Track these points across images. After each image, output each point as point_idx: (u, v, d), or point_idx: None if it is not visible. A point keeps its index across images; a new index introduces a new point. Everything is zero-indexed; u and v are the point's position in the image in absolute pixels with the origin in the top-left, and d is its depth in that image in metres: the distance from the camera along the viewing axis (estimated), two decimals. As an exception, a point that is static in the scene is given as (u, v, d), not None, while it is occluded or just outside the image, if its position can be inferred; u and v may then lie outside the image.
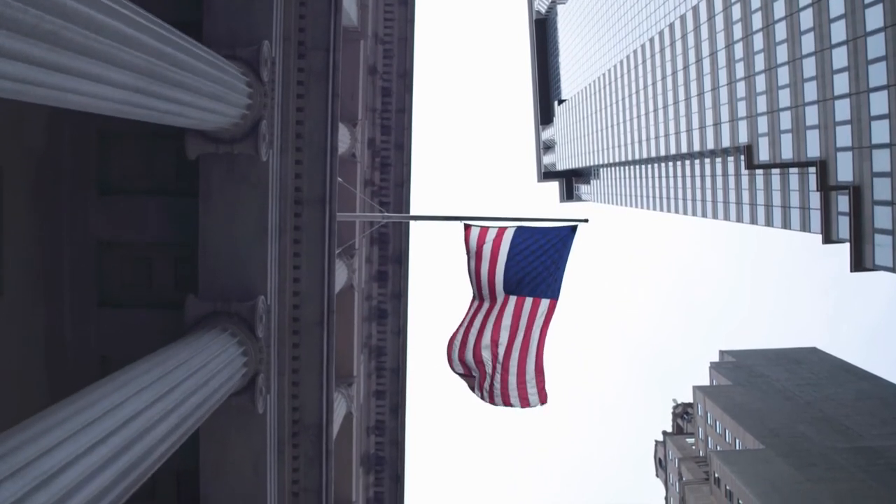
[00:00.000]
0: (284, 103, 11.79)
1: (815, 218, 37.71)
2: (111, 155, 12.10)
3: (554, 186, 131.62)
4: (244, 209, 11.13)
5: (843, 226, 33.18)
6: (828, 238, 36.07)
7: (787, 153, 35.71)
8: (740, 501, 46.12)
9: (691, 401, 72.31)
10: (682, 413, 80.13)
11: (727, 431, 57.34)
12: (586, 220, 14.64)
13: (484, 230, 14.31)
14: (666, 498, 71.93)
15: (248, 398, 10.81)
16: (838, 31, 29.66)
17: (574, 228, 14.51)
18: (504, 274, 14.27)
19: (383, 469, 23.82)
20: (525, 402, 13.42)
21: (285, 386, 12.13)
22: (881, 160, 26.56)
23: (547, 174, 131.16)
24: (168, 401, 7.66)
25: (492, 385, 13.83)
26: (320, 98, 12.44)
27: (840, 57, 29.39)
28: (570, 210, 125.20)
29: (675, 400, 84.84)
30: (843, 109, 29.47)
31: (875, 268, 27.94)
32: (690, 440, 69.74)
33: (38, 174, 11.30)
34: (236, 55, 10.15)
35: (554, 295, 14.38)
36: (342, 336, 18.56)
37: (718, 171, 51.59)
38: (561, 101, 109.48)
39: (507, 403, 13.69)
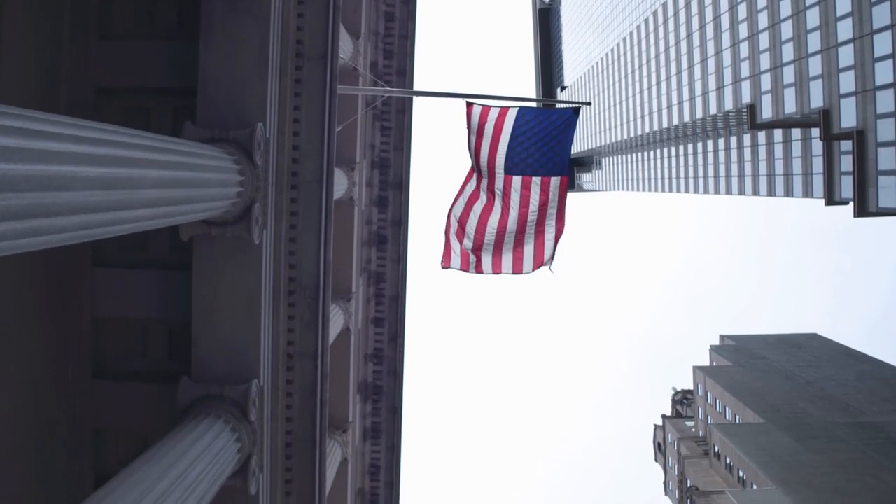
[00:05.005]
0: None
1: (818, 183, 37.59)
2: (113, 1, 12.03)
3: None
4: (245, 42, 11.02)
5: (847, 185, 33.06)
6: (830, 199, 35.93)
7: (790, 107, 35.67)
8: (741, 473, 45.85)
9: (691, 387, 71.99)
10: (682, 399, 79.86)
11: (727, 409, 57.11)
12: (588, 104, 14.66)
13: (486, 109, 14.28)
14: (665, 482, 71.47)
15: (243, 227, 10.68)
16: (843, -23, 29.69)
17: (577, 110, 14.53)
18: (506, 153, 14.32)
19: (380, 399, 23.55)
20: (539, 263, 13.72)
21: (282, 232, 11.99)
22: (885, 101, 26.53)
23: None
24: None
25: (500, 255, 14.01)
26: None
27: (844, 2, 29.41)
28: (572, 200, 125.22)
29: (674, 388, 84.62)
30: (846, 55, 29.46)
31: (879, 211, 27.82)
32: (690, 423, 69.41)
33: (37, 4, 11.19)
34: None
35: (563, 172, 14.53)
36: (340, 250, 18.37)
37: (721, 146, 51.55)
38: (563, 88, 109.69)
39: (517, 271, 13.91)
